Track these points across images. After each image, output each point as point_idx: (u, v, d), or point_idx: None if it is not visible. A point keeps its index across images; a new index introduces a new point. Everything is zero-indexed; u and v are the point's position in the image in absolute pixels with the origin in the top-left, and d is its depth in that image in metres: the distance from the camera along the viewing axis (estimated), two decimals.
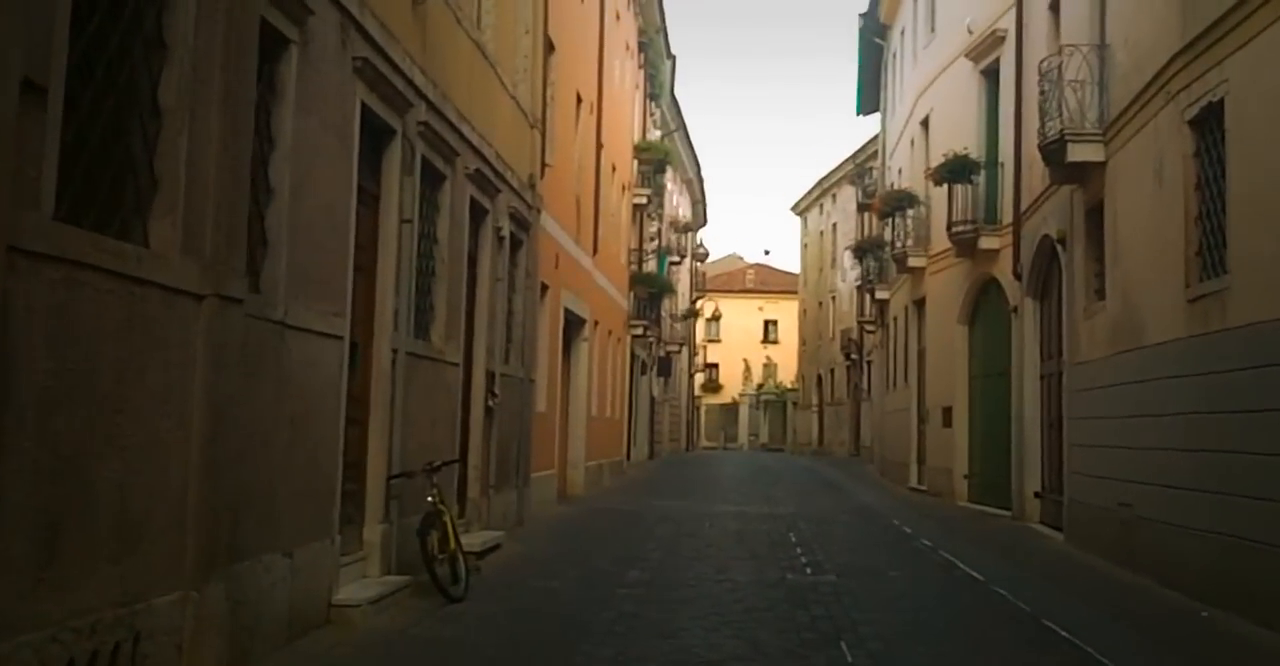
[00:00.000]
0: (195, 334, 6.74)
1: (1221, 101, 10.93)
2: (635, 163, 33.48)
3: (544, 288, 19.51)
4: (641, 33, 34.11)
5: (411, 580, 10.58)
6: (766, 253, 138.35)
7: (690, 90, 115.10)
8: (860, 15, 34.81)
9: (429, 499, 10.94)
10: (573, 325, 23.25)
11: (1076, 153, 15.04)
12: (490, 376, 15.25)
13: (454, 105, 12.94)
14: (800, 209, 63.15)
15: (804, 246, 63.82)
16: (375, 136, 10.75)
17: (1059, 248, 17.20)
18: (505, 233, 15.90)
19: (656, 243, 38.44)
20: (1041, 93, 15.98)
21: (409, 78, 11.18)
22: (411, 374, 11.50)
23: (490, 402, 15.16)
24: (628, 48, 31.57)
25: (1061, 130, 15.17)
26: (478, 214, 14.65)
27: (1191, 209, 11.78)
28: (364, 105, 10.10)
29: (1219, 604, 10.69)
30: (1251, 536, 10.14)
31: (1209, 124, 11.40)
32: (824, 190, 56.70)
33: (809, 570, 13.26)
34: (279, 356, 8.25)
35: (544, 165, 18.56)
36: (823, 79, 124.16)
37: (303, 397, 8.70)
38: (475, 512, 14.53)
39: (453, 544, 11.00)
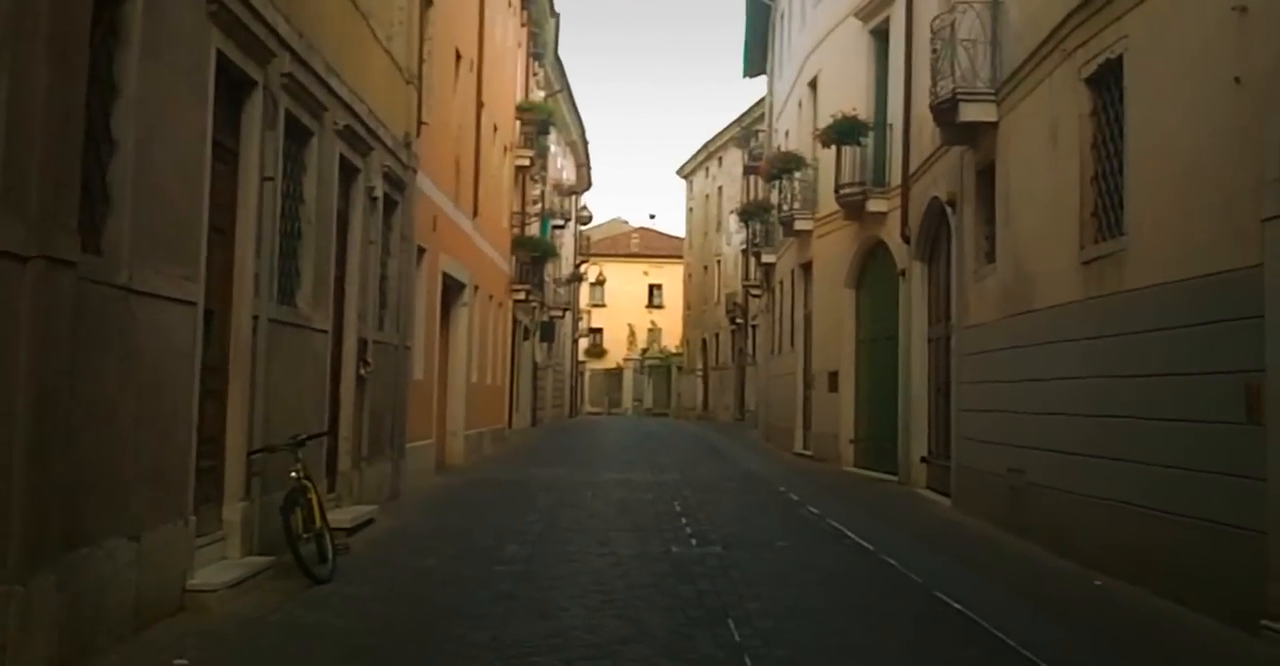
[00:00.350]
0: (19, 300, 6.04)
1: (1120, 58, 10.62)
2: (518, 123, 32.70)
3: (421, 251, 18.80)
4: None
5: (275, 561, 9.95)
6: (652, 217, 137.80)
7: (577, 58, 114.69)
8: None
9: (293, 474, 10.29)
10: (452, 290, 22.55)
11: (968, 112, 14.73)
12: (362, 344, 14.56)
13: (322, 57, 12.19)
14: (686, 172, 62.75)
15: (689, 210, 63.50)
16: (234, 88, 10.02)
17: (948, 210, 16.94)
18: (379, 193, 15.18)
19: (540, 206, 37.71)
20: (934, 51, 15.62)
21: (271, 25, 10.42)
22: (275, 342, 10.80)
23: (362, 371, 14.49)
24: (510, 4, 30.72)
25: (954, 90, 14.84)
26: (348, 173, 13.92)
27: (1087, 169, 11.49)
28: (220, 53, 9.37)
29: (1113, 573, 10.47)
30: (1147, 504, 9.92)
31: (1107, 82, 11.10)
32: (710, 153, 56.31)
33: (694, 542, 12.87)
34: (123, 324, 7.56)
35: (420, 123, 17.82)
36: (710, 45, 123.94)
37: (151, 369, 8.02)
38: (347, 486, 13.87)
39: (319, 521, 10.38)
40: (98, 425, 7.18)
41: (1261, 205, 8.20)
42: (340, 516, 12.44)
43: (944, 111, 15.19)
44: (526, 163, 33.31)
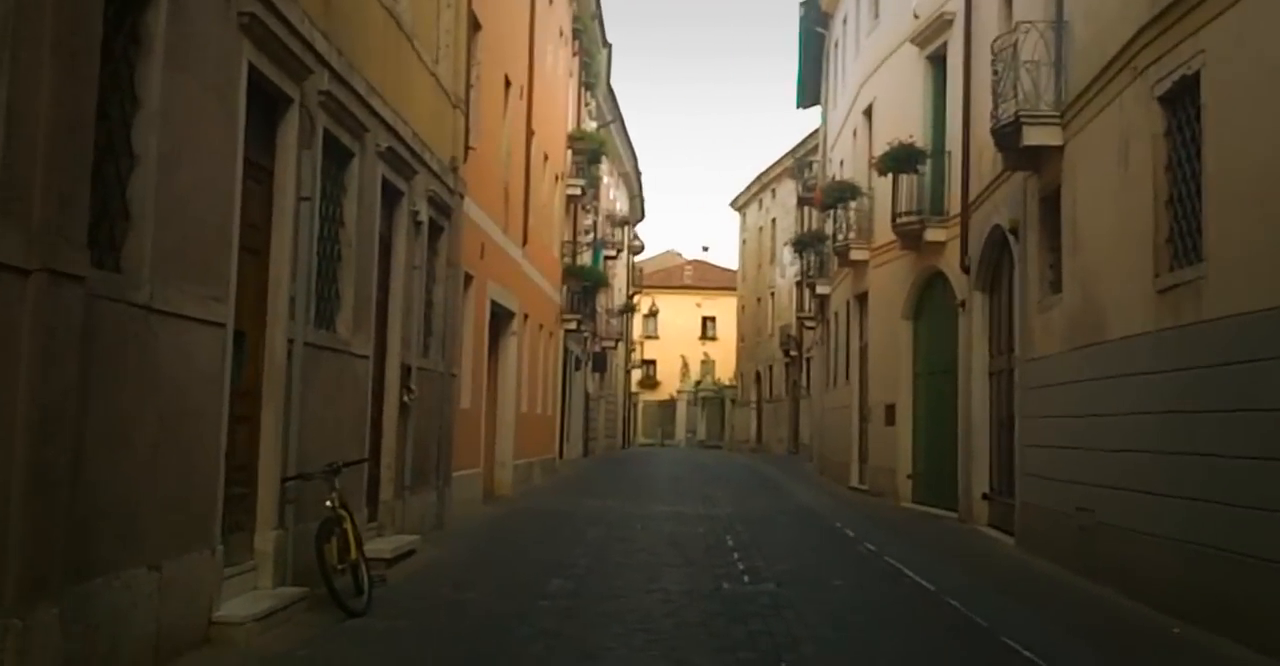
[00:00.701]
0: (20, 314, 5.66)
1: (1197, 74, 10.07)
2: (569, 153, 32.43)
3: (468, 278, 18.45)
4: (576, 19, 33.04)
5: (308, 592, 9.53)
6: (705, 249, 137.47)
7: (629, 88, 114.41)
8: (801, 4, 33.79)
9: (328, 503, 9.88)
10: (500, 318, 22.19)
11: (1032, 136, 14.14)
12: (406, 370, 14.18)
13: (363, 77, 11.87)
14: (739, 205, 62.39)
15: (743, 242, 63.11)
16: (268, 105, 9.70)
17: (1010, 238, 16.36)
18: (423, 217, 14.84)
19: (592, 235, 37.40)
20: (995, 73, 15.08)
21: (308, 40, 10.11)
22: (312, 367, 10.43)
23: (406, 398, 14.09)
24: (561, 33, 30.50)
25: (1016, 112, 14.29)
26: (391, 196, 13.59)
27: (1161, 192, 10.92)
28: (252, 67, 9.05)
29: (1190, 619, 9.84)
30: (1228, 546, 9.30)
31: (1182, 100, 10.53)
32: (763, 185, 55.93)
33: (747, 578, 12.35)
34: (143, 345, 7.20)
35: (468, 148, 17.50)
36: (764, 76, 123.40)
37: (174, 391, 7.65)
38: (388, 515, 13.45)
39: (354, 552, 9.98)
40: (112, 449, 6.80)
41: None
42: (380, 546, 12.04)
43: (1006, 135, 14.64)
44: (578, 192, 33.04)
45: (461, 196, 17.08)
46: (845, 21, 30.77)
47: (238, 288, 8.77)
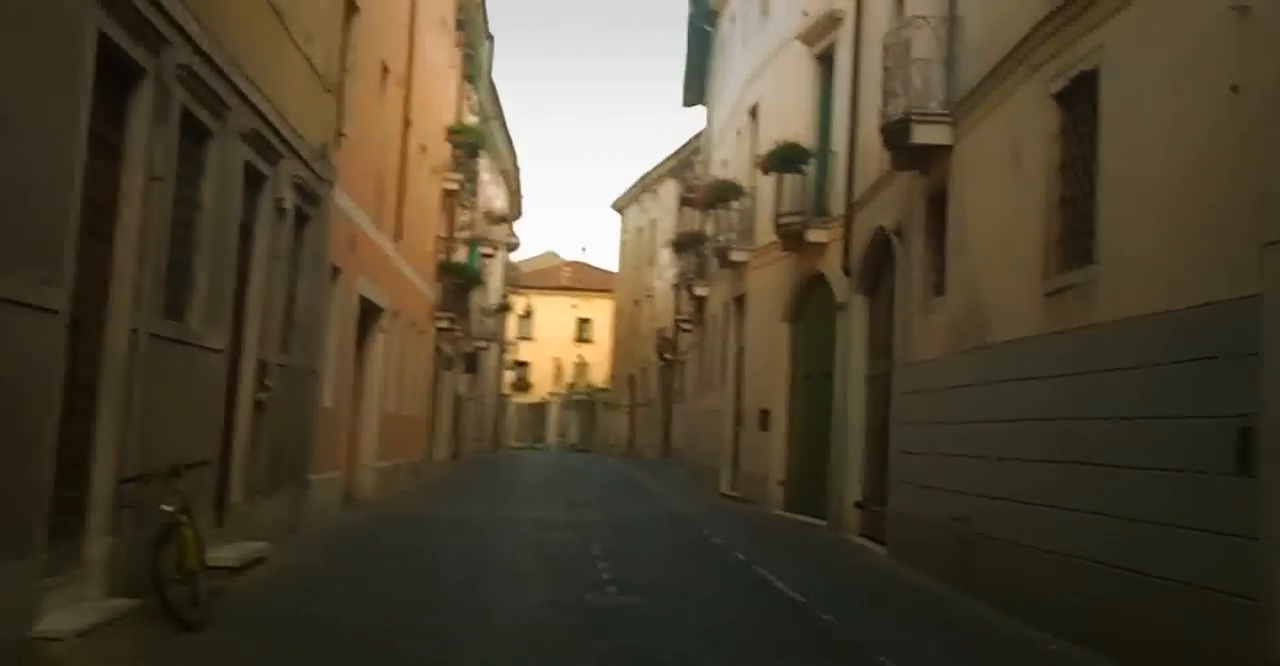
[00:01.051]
0: None
1: (1095, 71, 9.78)
2: (448, 146, 31.64)
3: (335, 271, 17.67)
4: (461, 9, 32.28)
5: (140, 604, 8.74)
6: (584, 249, 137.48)
7: (514, 86, 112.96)
8: (690, 1, 33.45)
9: (167, 507, 9.13)
10: (369, 314, 21.39)
11: (921, 134, 13.85)
12: (262, 366, 13.40)
13: (226, 52, 11.09)
14: (621, 205, 61.86)
15: (623, 244, 62.61)
16: (120, 76, 8.92)
17: (894, 239, 16.07)
18: (288, 205, 14.06)
19: (468, 232, 36.60)
20: (885, 70, 14.77)
21: (164, 8, 9.34)
22: (158, 360, 9.65)
23: (261, 395, 13.31)
24: (444, 23, 29.71)
25: (906, 110, 13.98)
26: (254, 181, 12.81)
27: (1054, 193, 10.64)
28: (103, 34, 8.28)
29: (1071, 637, 9.54)
30: (1116, 562, 8.99)
31: (1078, 98, 10.23)
32: (645, 186, 55.43)
33: (612, 589, 11.84)
34: None
35: (340, 135, 16.74)
36: (657, 76, 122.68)
37: None
38: (238, 521, 12.64)
39: (194, 560, 9.24)
40: None
41: (1261, 228, 7.35)
42: (226, 554, 11.28)
43: (894, 134, 14.33)
44: (455, 187, 32.23)
45: (331, 185, 16.32)
46: (734, 19, 30.43)
47: (77, 272, 8.00)
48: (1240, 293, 7.52)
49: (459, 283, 33.28)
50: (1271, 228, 7.27)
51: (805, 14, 22.14)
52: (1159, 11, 8.88)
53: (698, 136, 40.25)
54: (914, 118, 13.87)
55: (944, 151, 13.81)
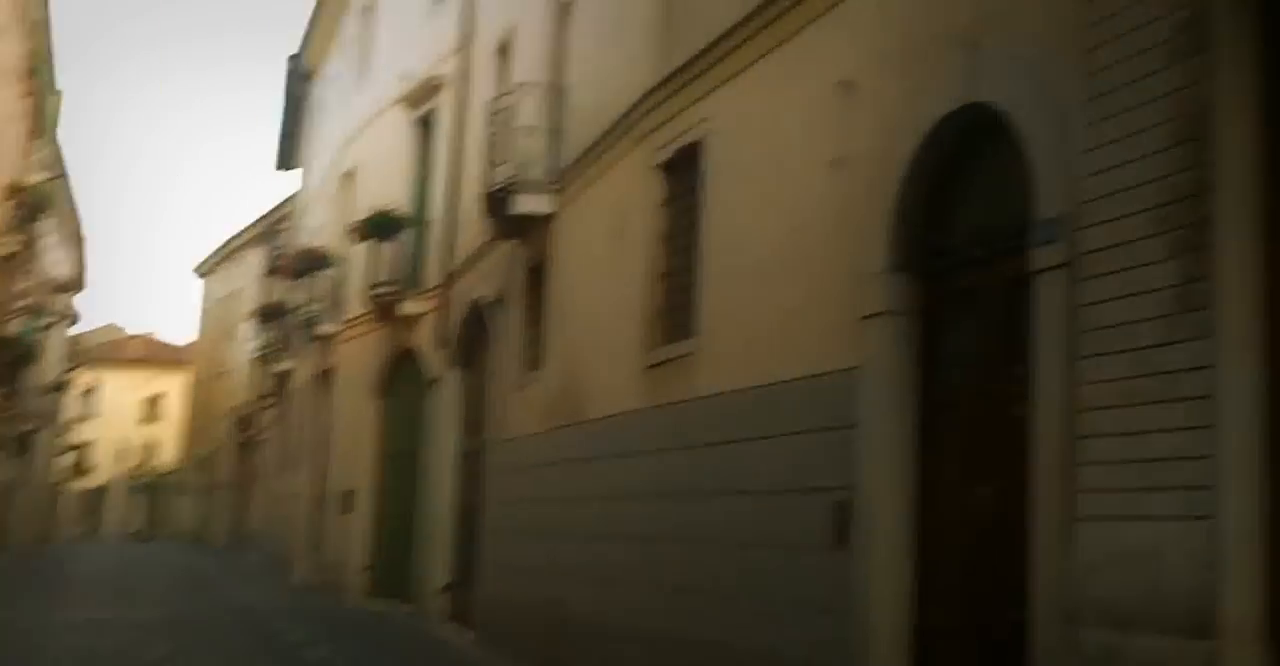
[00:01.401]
0: None
1: (699, 143, 9.71)
2: (9, 205, 28.96)
3: None
4: (33, 55, 29.89)
5: None
6: (155, 325, 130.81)
7: (86, 148, 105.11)
8: (290, 57, 32.08)
9: None
10: None
11: (523, 204, 13.52)
12: None
13: None
14: (203, 272, 58.96)
15: (204, 313, 59.60)
16: None
17: (491, 311, 15.64)
18: None
19: (26, 300, 33.60)
20: (490, 136, 14.41)
21: None
22: None
23: None
24: (11, 70, 27.39)
25: (509, 178, 13.64)
26: None
27: (657, 264, 10.49)
28: None
29: None
30: (714, 639, 8.69)
31: (683, 169, 10.15)
32: (231, 252, 52.85)
33: None
34: None
35: None
36: (255, 139, 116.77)
37: None
38: None
39: None
40: None
41: (859, 301, 7.31)
42: None
43: (496, 202, 13.95)
44: (15, 250, 29.51)
45: None
46: (332, 79, 29.37)
47: None
48: (839, 366, 7.45)
49: (8, 359, 30.45)
50: (869, 301, 7.25)
51: (403, 78, 21.61)
52: (764, 85, 8.89)
53: (291, 199, 38.85)
54: (516, 186, 13.57)
55: (546, 221, 13.54)
